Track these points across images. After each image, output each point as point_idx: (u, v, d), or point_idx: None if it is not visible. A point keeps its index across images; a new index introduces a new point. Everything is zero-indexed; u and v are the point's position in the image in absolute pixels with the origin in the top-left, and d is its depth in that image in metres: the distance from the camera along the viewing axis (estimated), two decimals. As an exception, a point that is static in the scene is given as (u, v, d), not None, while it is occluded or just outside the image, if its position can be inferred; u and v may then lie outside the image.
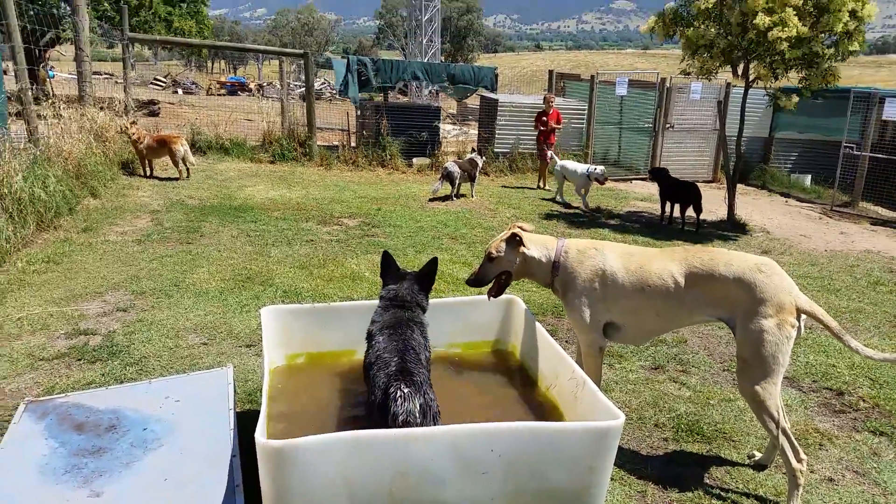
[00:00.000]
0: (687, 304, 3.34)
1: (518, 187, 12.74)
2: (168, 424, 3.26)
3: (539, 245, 3.61)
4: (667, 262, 3.40)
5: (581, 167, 11.15)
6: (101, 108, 10.53)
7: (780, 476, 3.43)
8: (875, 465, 3.69)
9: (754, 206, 12.15)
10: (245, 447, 2.86)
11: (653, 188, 13.33)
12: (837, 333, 3.17)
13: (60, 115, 8.94)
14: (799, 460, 3.14)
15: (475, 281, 3.75)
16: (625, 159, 15.65)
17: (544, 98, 12.99)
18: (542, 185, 12.77)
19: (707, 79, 10.06)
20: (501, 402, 3.50)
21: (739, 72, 9.64)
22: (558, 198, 11.47)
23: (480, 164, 11.42)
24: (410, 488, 2.64)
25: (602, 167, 11.05)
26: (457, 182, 10.73)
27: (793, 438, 3.17)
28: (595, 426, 2.78)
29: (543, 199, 11.62)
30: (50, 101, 9.16)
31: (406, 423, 2.70)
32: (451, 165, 10.78)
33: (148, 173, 10.88)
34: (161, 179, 10.70)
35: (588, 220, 10.05)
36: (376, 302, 3.62)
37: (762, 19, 8.35)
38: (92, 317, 5.18)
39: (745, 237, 9.57)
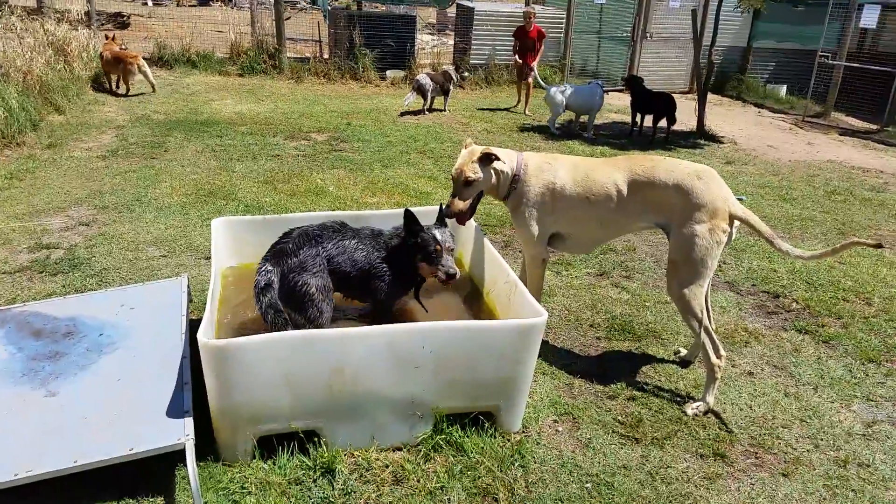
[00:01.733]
0: (628, 211, 3.44)
1: (493, 104, 12.62)
2: (123, 330, 3.42)
3: (506, 157, 3.60)
4: (611, 171, 3.47)
5: (589, 89, 10.18)
6: (61, 21, 10.20)
7: (701, 371, 3.67)
8: (793, 360, 3.95)
9: (726, 116, 12.16)
10: (197, 352, 3.02)
11: (629, 99, 13.31)
12: (769, 238, 3.29)
13: (16, 29, 8.67)
14: (718, 356, 3.36)
15: (459, 214, 3.65)
16: (602, 70, 15.46)
17: (524, 13, 11.92)
18: (523, 108, 11.56)
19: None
20: (447, 307, 3.69)
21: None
22: (553, 127, 10.10)
23: (455, 78, 11.27)
24: (347, 382, 2.83)
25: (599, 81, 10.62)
26: (429, 95, 10.62)
27: (714, 336, 3.39)
28: (519, 323, 2.98)
29: (525, 124, 10.53)
30: (3, 11, 8.85)
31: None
32: (423, 77, 10.62)
33: (111, 88, 10.68)
34: (127, 96, 10.52)
35: (561, 132, 10.03)
36: (329, 213, 3.88)
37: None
38: (54, 231, 5.26)
39: (711, 147, 9.66)
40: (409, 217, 3.34)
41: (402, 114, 10.54)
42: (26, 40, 8.69)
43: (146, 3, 24.52)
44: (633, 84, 10.27)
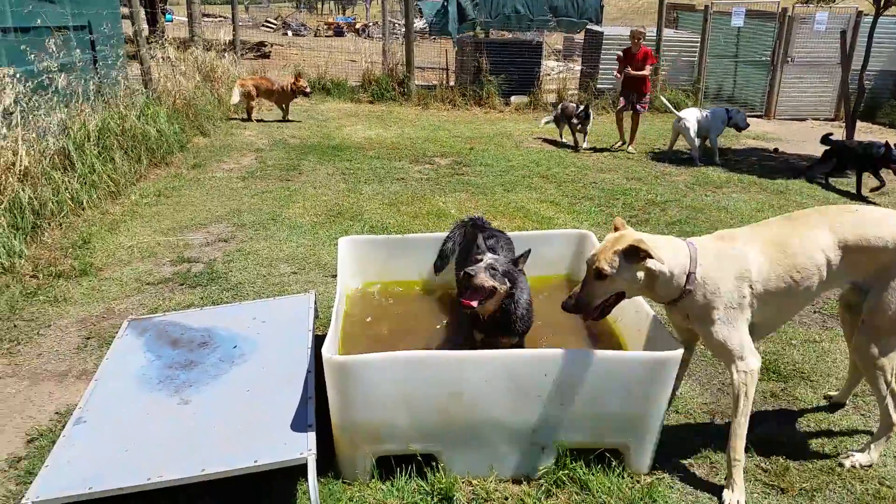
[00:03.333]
0: (833, 276, 2.87)
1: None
2: (254, 342, 3.54)
3: (668, 252, 2.73)
4: (813, 236, 2.82)
5: (711, 112, 9.64)
6: (208, 49, 11.00)
7: (857, 417, 3.30)
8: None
9: (880, 144, 11.16)
10: (321, 366, 3.04)
11: (768, 126, 12.57)
12: None
13: (170, 57, 9.44)
14: None
15: (575, 306, 2.79)
16: (739, 95, 14.72)
17: (630, 32, 9.95)
18: (627, 144, 10.08)
19: (829, 5, 9.20)
20: (572, 333, 3.53)
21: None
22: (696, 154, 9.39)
23: (592, 115, 10.03)
24: (465, 406, 2.76)
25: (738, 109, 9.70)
26: (567, 123, 10.03)
27: None
28: (650, 356, 2.79)
29: (629, 158, 9.53)
30: (160, 42, 9.66)
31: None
32: (567, 105, 10.24)
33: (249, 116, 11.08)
34: (266, 121, 11.15)
35: (695, 160, 9.57)
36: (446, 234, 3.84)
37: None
38: (196, 246, 5.60)
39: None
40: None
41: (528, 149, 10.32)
42: (178, 67, 9.43)
43: (286, 34, 26.14)
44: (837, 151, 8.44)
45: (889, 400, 2.94)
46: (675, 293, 2.77)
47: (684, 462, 3.05)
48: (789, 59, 13.50)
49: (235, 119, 10.80)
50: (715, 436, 3.24)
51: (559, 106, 10.42)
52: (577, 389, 2.74)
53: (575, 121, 9.85)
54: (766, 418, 3.38)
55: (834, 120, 13.53)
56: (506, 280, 2.96)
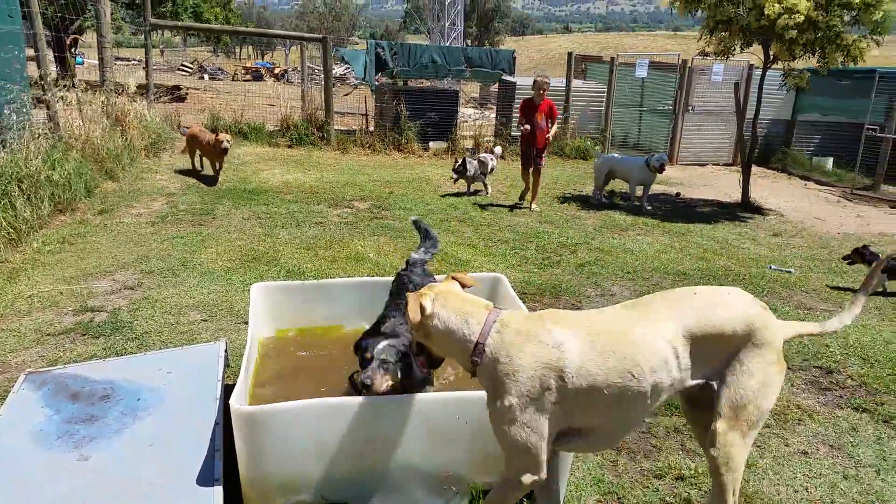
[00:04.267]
0: (683, 373, 2.42)
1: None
2: (159, 394, 3.41)
3: (456, 311, 2.44)
4: (653, 326, 2.40)
5: (635, 158, 10.09)
6: (120, 93, 10.74)
7: (757, 448, 3.46)
8: (851, 440, 3.72)
9: (772, 189, 12.00)
10: (230, 417, 2.98)
11: (671, 171, 13.26)
12: (821, 333, 2.69)
13: (79, 101, 9.15)
14: None
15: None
16: (644, 142, 15.55)
17: (534, 82, 9.24)
18: (527, 201, 9.57)
19: (725, 58, 9.92)
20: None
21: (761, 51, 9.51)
22: (594, 197, 10.02)
23: (492, 164, 10.40)
24: (379, 452, 2.76)
25: (660, 153, 9.92)
26: (470, 178, 10.11)
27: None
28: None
29: (566, 193, 11.13)
30: (69, 86, 9.37)
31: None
32: (469, 163, 9.94)
33: (194, 167, 10.56)
34: (180, 170, 10.93)
35: (606, 205, 9.99)
36: (365, 279, 3.81)
37: (771, 8, 8.24)
38: (100, 294, 5.38)
39: (756, 219, 9.51)
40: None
41: (444, 195, 10.53)
42: (86, 111, 9.14)
43: (202, 77, 25.80)
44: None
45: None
46: (464, 361, 2.46)
47: (592, 500, 3.12)
48: (690, 107, 14.40)
49: (147, 163, 10.52)
50: (622, 471, 3.34)
51: (465, 162, 9.89)
52: (490, 431, 2.78)
53: (489, 167, 10.17)
54: (669, 452, 3.52)
55: (732, 164, 14.46)
56: (398, 368, 2.90)
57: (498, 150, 11.19)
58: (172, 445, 2.97)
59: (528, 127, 9.09)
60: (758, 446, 3.65)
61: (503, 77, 15.08)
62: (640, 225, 8.70)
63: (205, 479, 2.68)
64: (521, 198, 9.77)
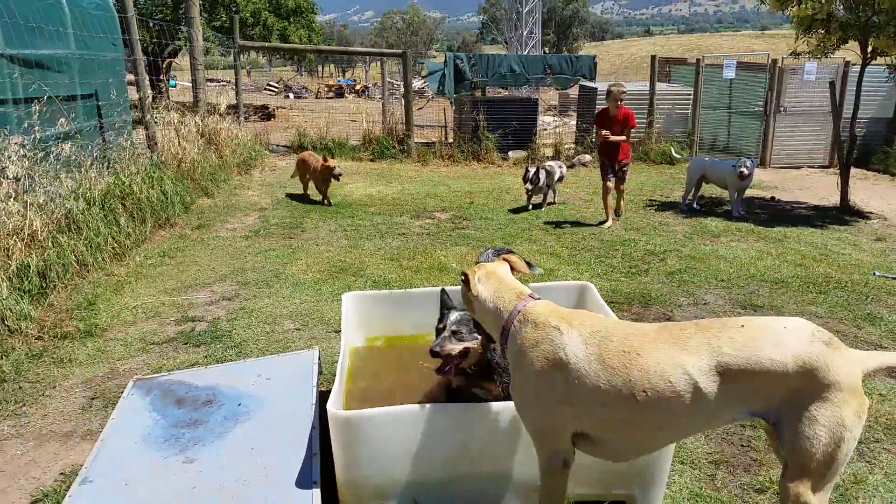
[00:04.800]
0: (710, 407, 2.26)
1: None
2: (259, 399, 3.55)
3: (492, 292, 2.60)
4: (675, 354, 2.26)
5: (726, 161, 9.57)
6: (212, 113, 11.28)
7: (863, 463, 3.26)
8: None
9: (873, 191, 11.31)
10: (325, 422, 3.05)
11: (764, 175, 12.72)
12: None
13: (174, 122, 9.68)
14: None
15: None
16: (734, 145, 14.99)
17: (608, 91, 8.38)
18: (609, 218, 8.64)
19: (821, 58, 9.45)
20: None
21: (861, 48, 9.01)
22: (684, 203, 9.66)
23: (560, 172, 9.89)
24: (473, 460, 2.76)
25: (743, 159, 9.21)
26: (544, 188, 9.58)
27: None
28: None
29: (653, 199, 10.94)
30: (165, 107, 9.93)
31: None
32: (541, 171, 9.42)
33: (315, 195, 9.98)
34: (268, 183, 11.35)
35: (697, 211, 9.68)
36: (451, 287, 3.80)
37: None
38: (200, 305, 5.64)
39: (858, 224, 8.97)
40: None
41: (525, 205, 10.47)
42: (182, 132, 9.65)
43: (288, 96, 26.78)
44: None
45: None
46: (499, 341, 2.59)
47: (692, 512, 3.02)
48: (782, 108, 13.79)
49: (239, 179, 10.99)
50: (720, 486, 3.22)
51: (540, 171, 9.35)
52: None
53: (529, 186, 9.30)
54: (771, 465, 3.36)
55: (829, 167, 13.74)
56: (475, 333, 2.97)
57: (586, 157, 10.80)
58: (272, 449, 3.08)
59: (606, 133, 8.21)
60: (867, 461, 3.44)
61: (583, 82, 14.92)
62: (733, 231, 8.38)
63: (303, 481, 2.76)
64: (602, 224, 8.61)
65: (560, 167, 9.96)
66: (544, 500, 2.55)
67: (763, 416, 2.27)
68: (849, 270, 6.80)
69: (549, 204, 9.83)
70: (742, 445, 3.56)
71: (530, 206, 9.58)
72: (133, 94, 9.57)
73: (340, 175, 9.49)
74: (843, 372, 2.16)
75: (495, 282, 2.62)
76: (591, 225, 8.64)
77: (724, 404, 2.23)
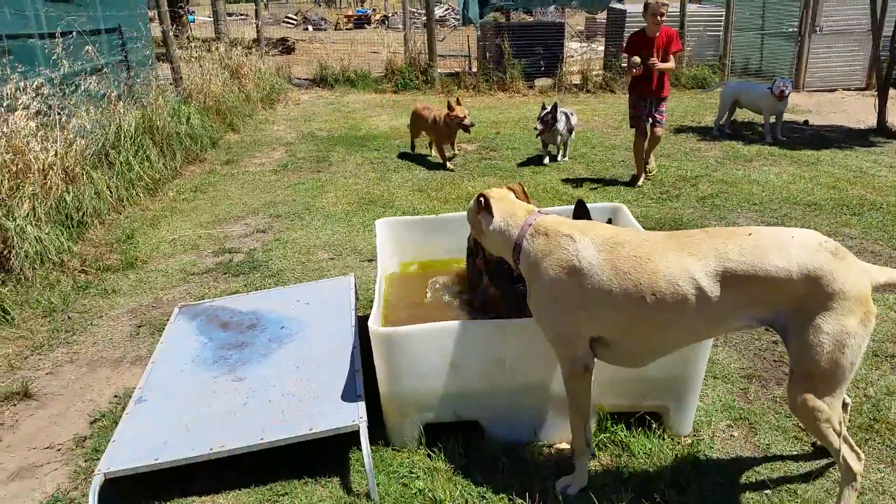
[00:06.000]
0: (714, 313, 2.35)
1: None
2: (300, 322, 3.67)
3: (503, 215, 2.72)
4: (682, 259, 2.34)
5: (764, 86, 8.99)
6: (234, 46, 11.18)
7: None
8: None
9: (912, 112, 10.96)
10: (365, 342, 3.11)
11: (797, 98, 12.36)
12: None
13: (198, 55, 9.63)
14: (860, 460, 2.46)
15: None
16: (767, 68, 14.51)
17: (645, 5, 6.79)
18: (642, 173, 7.23)
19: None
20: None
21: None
22: (717, 128, 9.37)
23: (575, 120, 8.23)
24: (507, 373, 2.86)
25: (784, 78, 8.78)
26: (560, 134, 7.86)
27: (851, 440, 2.47)
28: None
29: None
30: (188, 41, 9.86)
31: None
32: (561, 113, 7.77)
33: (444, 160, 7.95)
34: (291, 117, 11.32)
35: (729, 135, 9.47)
36: None
37: None
38: (235, 237, 5.76)
39: (893, 145, 8.74)
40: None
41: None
42: (206, 66, 9.61)
43: (307, 29, 26.35)
44: None
45: (844, 449, 2.40)
46: (510, 258, 2.72)
47: (722, 424, 3.11)
48: (817, 28, 13.27)
49: (264, 114, 10.97)
50: (753, 398, 3.30)
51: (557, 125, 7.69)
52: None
53: (539, 126, 7.64)
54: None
55: (865, 89, 13.30)
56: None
57: (574, 119, 8.28)
58: (316, 367, 3.20)
59: (637, 62, 6.69)
60: (902, 375, 3.48)
61: (612, 5, 14.43)
62: (765, 155, 8.24)
63: (348, 394, 2.89)
64: (634, 182, 7.15)
65: (572, 114, 8.20)
66: (571, 406, 2.67)
67: (771, 323, 2.35)
68: (884, 192, 6.68)
69: (564, 160, 8.15)
70: (774, 361, 3.62)
71: (546, 159, 8.03)
72: (154, 31, 9.51)
73: (472, 125, 7.63)
74: (848, 281, 2.21)
75: (505, 204, 2.77)
76: (620, 150, 8.52)
77: (729, 309, 2.32)
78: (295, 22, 29.49)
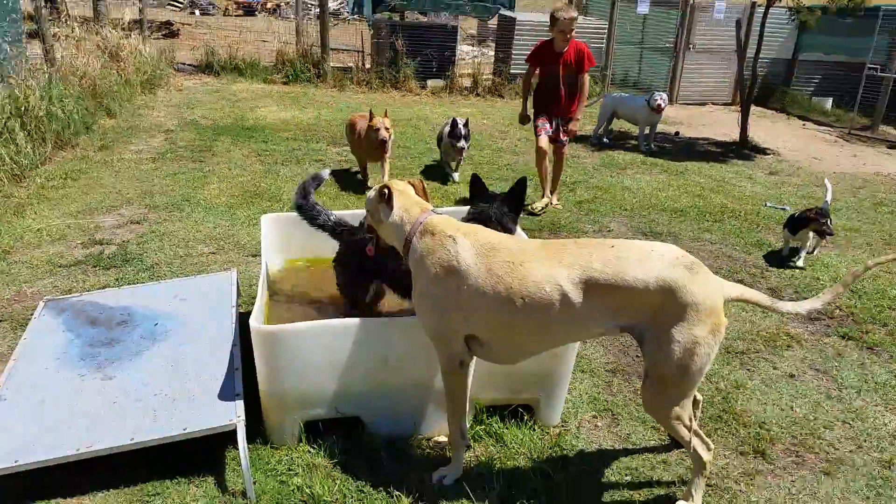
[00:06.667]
0: (579, 317, 2.51)
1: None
2: (176, 319, 3.55)
3: (400, 209, 2.78)
4: (552, 267, 2.50)
5: (638, 98, 9.68)
6: (115, 28, 10.57)
7: (754, 369, 3.65)
8: (836, 364, 3.92)
9: (771, 129, 12.00)
10: (246, 341, 3.05)
11: (670, 111, 13.19)
12: (769, 307, 2.60)
13: (75, 35, 9.04)
14: (709, 450, 2.71)
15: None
16: (644, 81, 15.41)
17: (552, 18, 6.21)
18: (547, 196, 6.72)
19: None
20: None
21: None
22: (595, 137, 9.80)
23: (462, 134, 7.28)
24: (390, 370, 2.92)
25: (658, 92, 9.30)
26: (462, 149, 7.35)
27: (702, 434, 2.71)
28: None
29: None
30: (63, 19, 9.24)
31: None
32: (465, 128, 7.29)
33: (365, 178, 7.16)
34: (173, 103, 10.85)
35: (607, 144, 9.98)
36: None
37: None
38: (107, 228, 5.47)
39: (755, 158, 9.56)
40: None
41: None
42: (83, 46, 9.04)
43: (194, 13, 25.23)
44: None
45: (695, 441, 2.62)
46: (402, 251, 2.78)
47: (588, 415, 3.32)
48: (691, 45, 14.24)
49: (143, 99, 10.44)
50: (616, 391, 3.54)
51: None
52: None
53: (464, 143, 7.22)
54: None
55: (731, 104, 14.40)
56: None
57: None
58: (192, 366, 3.12)
59: (541, 97, 6.37)
60: (748, 369, 3.84)
61: (502, 12, 14.81)
62: (638, 163, 8.76)
63: (226, 393, 2.85)
64: (537, 210, 6.50)
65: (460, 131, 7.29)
66: (448, 399, 2.78)
67: (630, 330, 2.55)
68: (743, 201, 7.30)
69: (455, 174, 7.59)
70: (637, 356, 3.89)
71: (456, 176, 7.52)
72: (26, 5, 8.83)
73: (385, 141, 6.54)
74: (700, 294, 2.40)
75: (403, 199, 2.82)
76: (507, 155, 8.78)
77: (592, 315, 2.51)
78: (181, 5, 28.15)
